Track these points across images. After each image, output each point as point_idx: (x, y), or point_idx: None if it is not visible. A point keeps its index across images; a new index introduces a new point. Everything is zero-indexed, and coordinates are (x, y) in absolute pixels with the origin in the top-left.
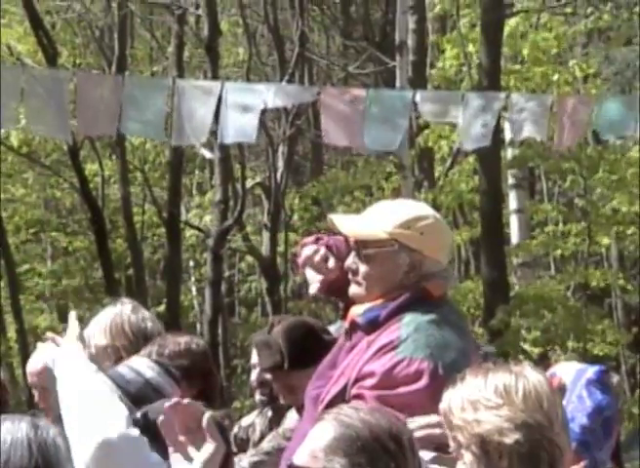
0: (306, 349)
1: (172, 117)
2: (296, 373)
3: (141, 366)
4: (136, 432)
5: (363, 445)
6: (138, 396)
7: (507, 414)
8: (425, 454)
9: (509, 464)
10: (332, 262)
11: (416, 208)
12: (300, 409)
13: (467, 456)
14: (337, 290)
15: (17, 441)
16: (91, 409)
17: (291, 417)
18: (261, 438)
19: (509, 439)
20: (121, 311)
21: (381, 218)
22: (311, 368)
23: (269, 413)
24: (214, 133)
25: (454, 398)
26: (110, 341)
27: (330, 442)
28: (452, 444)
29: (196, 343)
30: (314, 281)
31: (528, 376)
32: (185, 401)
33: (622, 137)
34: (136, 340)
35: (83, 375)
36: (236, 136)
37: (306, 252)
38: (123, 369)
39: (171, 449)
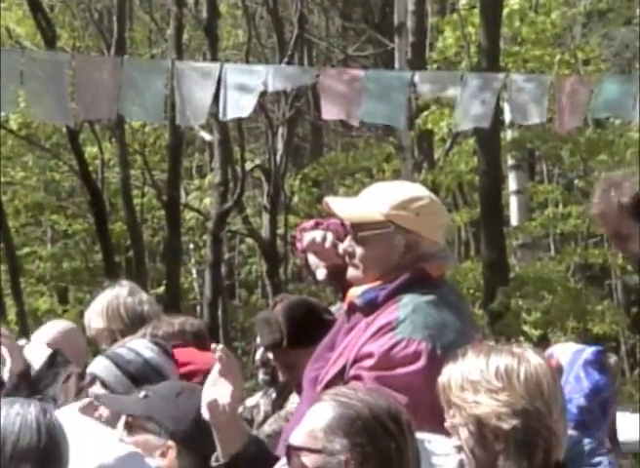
0: (306, 327)
1: (172, 99)
2: (295, 351)
3: (140, 346)
4: (129, 448)
5: (364, 425)
6: (137, 376)
7: (507, 400)
8: (421, 435)
9: (505, 448)
10: (340, 248)
11: (411, 189)
12: (298, 387)
13: (464, 433)
14: (342, 274)
15: (26, 423)
16: (82, 439)
17: (293, 401)
18: (265, 419)
19: (507, 424)
20: (118, 294)
21: (377, 200)
22: (311, 346)
23: (273, 395)
24: (213, 114)
25: (454, 374)
26: (107, 324)
27: (330, 422)
28: (447, 419)
29: (190, 324)
30: (319, 266)
31: (530, 360)
32: None
33: (621, 118)
34: (131, 324)
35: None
36: (233, 112)
37: (312, 236)
38: (122, 349)
39: None
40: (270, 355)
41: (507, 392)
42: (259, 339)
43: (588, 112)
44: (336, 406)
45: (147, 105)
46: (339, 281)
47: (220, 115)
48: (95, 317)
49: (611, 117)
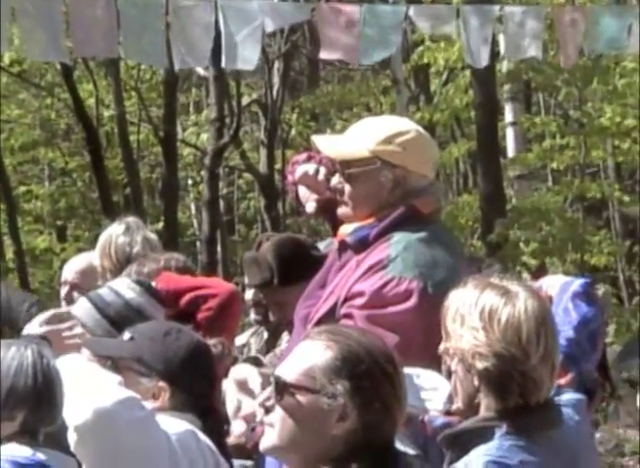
0: (295, 265)
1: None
2: (285, 289)
3: (122, 287)
4: (126, 392)
5: (366, 368)
6: (117, 318)
7: (483, 341)
8: (410, 369)
9: (479, 385)
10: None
11: (397, 123)
12: (289, 325)
13: (455, 361)
14: (332, 208)
15: (22, 366)
16: (80, 384)
17: (286, 340)
18: (261, 350)
19: (480, 364)
20: (113, 232)
21: (363, 137)
22: (300, 284)
23: (265, 334)
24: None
25: (452, 303)
26: (100, 261)
27: (331, 362)
28: (442, 344)
29: (176, 259)
30: (309, 200)
31: (516, 303)
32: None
33: (616, 51)
34: (118, 263)
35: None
36: (238, 63)
37: (304, 169)
38: (104, 290)
39: None
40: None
41: (485, 333)
42: (247, 279)
43: (585, 45)
44: (334, 346)
45: (148, 48)
46: (329, 215)
47: (224, 64)
48: (96, 253)
49: (606, 51)
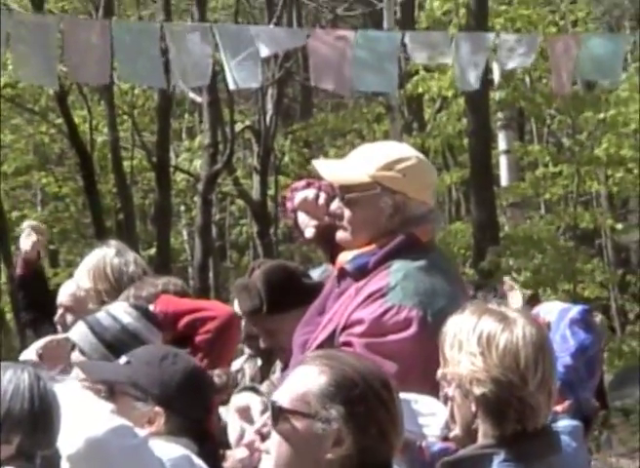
0: (285, 293)
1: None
2: (275, 317)
3: (119, 311)
4: (119, 420)
5: (360, 393)
6: (114, 343)
7: (481, 366)
8: (408, 395)
9: (477, 411)
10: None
11: (397, 149)
12: (280, 352)
13: (452, 387)
14: (331, 235)
15: (19, 390)
16: (72, 412)
17: (280, 367)
18: (253, 378)
19: (478, 390)
20: (105, 254)
21: (363, 162)
22: (291, 311)
23: (259, 361)
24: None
25: (450, 328)
26: (93, 285)
27: (325, 388)
28: (440, 370)
29: (174, 284)
30: (309, 225)
31: (514, 329)
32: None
33: (608, 78)
34: (117, 284)
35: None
36: (241, 83)
37: (304, 195)
38: (101, 314)
39: None
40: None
41: (483, 359)
42: (236, 306)
43: (577, 73)
44: (329, 371)
45: (144, 72)
46: (327, 242)
47: (231, 86)
48: (83, 277)
49: (598, 78)
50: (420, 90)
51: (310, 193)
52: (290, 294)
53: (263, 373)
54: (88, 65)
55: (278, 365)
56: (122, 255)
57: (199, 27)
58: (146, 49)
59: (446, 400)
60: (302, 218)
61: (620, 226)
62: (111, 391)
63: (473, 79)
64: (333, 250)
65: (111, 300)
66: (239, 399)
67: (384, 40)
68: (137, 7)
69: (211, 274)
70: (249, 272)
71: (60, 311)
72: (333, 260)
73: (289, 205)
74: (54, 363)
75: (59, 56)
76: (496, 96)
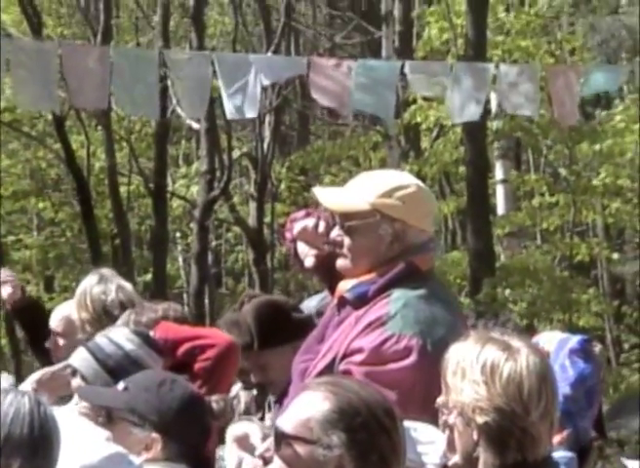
0: (276, 328)
1: (164, 91)
2: (265, 352)
3: (121, 337)
4: (114, 448)
5: (363, 421)
6: (117, 370)
7: (484, 395)
8: (407, 423)
9: (478, 440)
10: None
11: (397, 177)
12: (271, 386)
13: (453, 415)
14: (331, 264)
15: (19, 415)
16: (67, 437)
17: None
18: (247, 410)
19: (480, 419)
20: (87, 284)
21: (363, 190)
22: (281, 346)
23: (254, 391)
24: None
25: (452, 356)
26: (77, 314)
27: (328, 414)
28: (441, 396)
29: (174, 310)
30: (308, 255)
31: (518, 359)
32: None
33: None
34: (95, 313)
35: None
36: (238, 113)
37: (303, 224)
38: (102, 340)
39: None
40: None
41: (487, 387)
42: None
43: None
44: (332, 398)
45: (140, 99)
46: (327, 271)
47: (228, 115)
48: (73, 306)
49: (597, 110)
50: (418, 119)
51: (310, 222)
52: (280, 330)
53: (259, 402)
54: (86, 91)
55: (271, 398)
56: (103, 283)
57: (198, 55)
58: (144, 76)
59: (445, 427)
60: (302, 248)
61: (615, 256)
62: (109, 417)
63: (472, 112)
64: (332, 279)
65: (93, 330)
66: (236, 428)
67: (384, 69)
68: (135, 33)
69: (206, 301)
70: (238, 305)
71: (51, 336)
72: (332, 290)
73: (288, 235)
74: (50, 394)
75: (58, 81)
76: (493, 126)
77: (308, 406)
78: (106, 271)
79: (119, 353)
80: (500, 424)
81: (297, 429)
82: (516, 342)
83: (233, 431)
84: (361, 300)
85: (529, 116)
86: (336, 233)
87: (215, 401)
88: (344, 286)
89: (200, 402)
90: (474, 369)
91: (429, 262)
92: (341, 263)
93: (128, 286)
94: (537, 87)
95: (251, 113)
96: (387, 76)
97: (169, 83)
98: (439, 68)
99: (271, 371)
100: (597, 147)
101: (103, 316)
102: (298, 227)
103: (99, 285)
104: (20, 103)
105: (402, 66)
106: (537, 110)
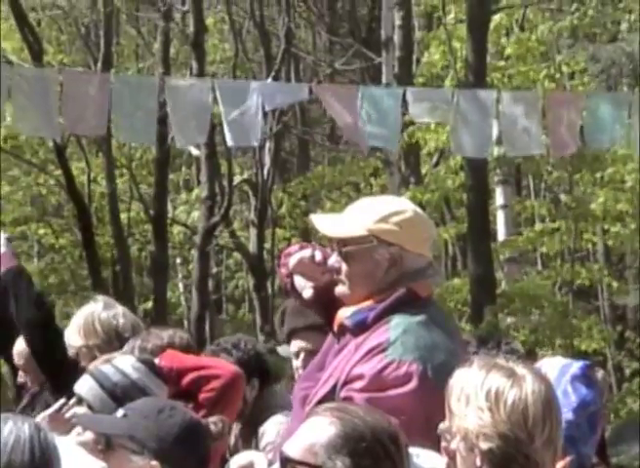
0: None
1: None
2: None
3: (126, 366)
4: None
5: (368, 446)
6: (123, 398)
7: (489, 421)
8: (411, 450)
9: (481, 466)
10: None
11: (394, 203)
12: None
13: (456, 440)
14: (329, 295)
15: (19, 441)
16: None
17: (269, 432)
18: (236, 441)
19: (484, 445)
20: (93, 310)
21: (360, 216)
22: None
23: (239, 425)
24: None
25: (457, 382)
26: (84, 341)
27: (332, 439)
28: (445, 422)
29: (179, 337)
30: (306, 287)
31: (523, 386)
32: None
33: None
34: (107, 338)
35: None
36: (241, 140)
37: (299, 256)
38: (108, 369)
39: None
40: None
41: (491, 414)
42: None
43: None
44: (338, 423)
45: (138, 126)
46: (325, 303)
47: (230, 142)
48: (73, 335)
49: (604, 143)
50: (417, 140)
51: (306, 253)
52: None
53: (244, 435)
54: (86, 118)
55: (267, 433)
56: (110, 309)
57: (199, 81)
58: (144, 103)
59: (446, 453)
60: (299, 281)
61: (615, 284)
62: (108, 444)
63: (477, 149)
64: (332, 311)
65: (102, 355)
66: (240, 458)
67: (386, 96)
68: (135, 59)
69: (207, 327)
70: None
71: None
72: (330, 321)
73: (283, 271)
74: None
75: (58, 107)
76: (494, 152)
77: (314, 430)
78: (106, 298)
79: (126, 382)
80: (503, 451)
81: (302, 454)
82: (521, 369)
83: (238, 460)
84: (360, 327)
85: (536, 155)
86: (334, 259)
87: (213, 422)
88: (344, 313)
89: (199, 428)
90: (479, 395)
91: (429, 289)
92: (340, 290)
93: (129, 312)
94: (539, 119)
95: (252, 140)
96: (391, 106)
97: (168, 110)
98: (440, 96)
99: (256, 409)
100: (598, 175)
101: (115, 340)
102: (293, 260)
103: (106, 310)
104: (21, 130)
105: (404, 94)
106: (541, 145)
